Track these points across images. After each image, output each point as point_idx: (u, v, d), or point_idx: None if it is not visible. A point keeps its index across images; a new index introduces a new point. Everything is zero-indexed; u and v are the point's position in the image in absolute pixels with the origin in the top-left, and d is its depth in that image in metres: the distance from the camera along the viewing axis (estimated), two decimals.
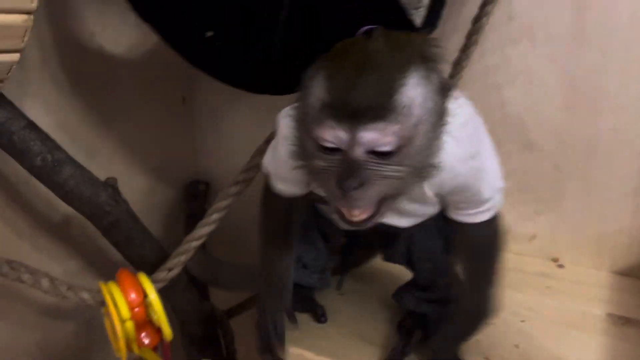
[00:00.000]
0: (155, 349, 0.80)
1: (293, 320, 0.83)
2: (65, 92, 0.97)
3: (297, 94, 0.57)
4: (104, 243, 1.02)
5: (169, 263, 0.84)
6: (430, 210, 0.69)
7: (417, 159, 0.54)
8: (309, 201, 0.74)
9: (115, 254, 0.95)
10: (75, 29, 0.97)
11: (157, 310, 0.75)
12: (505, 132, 0.97)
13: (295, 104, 0.58)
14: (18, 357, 0.99)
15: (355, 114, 0.50)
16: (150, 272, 0.85)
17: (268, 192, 0.73)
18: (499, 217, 0.67)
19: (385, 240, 0.78)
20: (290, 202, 0.73)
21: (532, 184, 1.00)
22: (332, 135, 0.52)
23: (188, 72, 1.21)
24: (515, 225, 1.00)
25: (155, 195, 1.20)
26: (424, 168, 0.55)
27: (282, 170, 0.67)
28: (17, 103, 0.77)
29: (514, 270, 0.96)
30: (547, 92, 0.94)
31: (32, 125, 0.77)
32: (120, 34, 1.03)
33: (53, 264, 1.00)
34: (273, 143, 0.69)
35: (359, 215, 0.56)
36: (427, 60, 0.53)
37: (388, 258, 0.82)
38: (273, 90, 0.76)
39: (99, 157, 1.05)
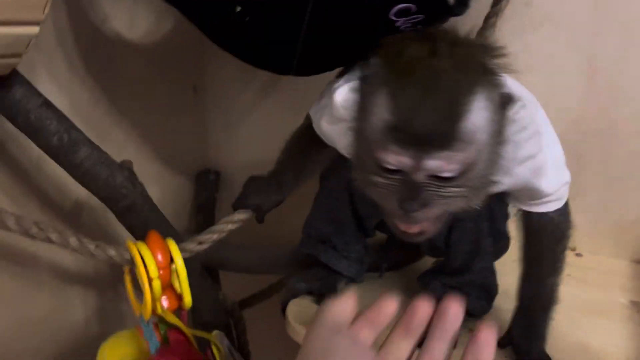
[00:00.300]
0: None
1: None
2: (78, 75, 0.95)
3: (355, 105, 0.58)
4: (114, 231, 1.01)
5: (202, 237, 0.82)
6: None
7: (478, 180, 0.55)
8: (348, 188, 0.74)
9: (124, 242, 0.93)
10: (89, 11, 0.95)
11: (181, 276, 0.74)
12: None
13: (354, 115, 0.58)
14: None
15: (421, 141, 0.50)
16: None
17: (306, 125, 0.74)
18: (565, 207, 0.67)
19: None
20: (324, 145, 0.72)
21: None
22: (396, 159, 0.52)
23: (199, 61, 1.20)
24: None
25: (165, 183, 1.19)
26: (485, 186, 0.56)
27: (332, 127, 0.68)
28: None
29: None
30: (567, 79, 0.93)
31: (48, 104, 0.75)
32: (133, 20, 1.02)
33: (63, 251, 0.98)
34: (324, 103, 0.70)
35: (417, 229, 0.58)
36: (490, 74, 0.53)
37: (429, 250, 0.81)
38: (297, 71, 0.74)
39: (110, 143, 1.02)
